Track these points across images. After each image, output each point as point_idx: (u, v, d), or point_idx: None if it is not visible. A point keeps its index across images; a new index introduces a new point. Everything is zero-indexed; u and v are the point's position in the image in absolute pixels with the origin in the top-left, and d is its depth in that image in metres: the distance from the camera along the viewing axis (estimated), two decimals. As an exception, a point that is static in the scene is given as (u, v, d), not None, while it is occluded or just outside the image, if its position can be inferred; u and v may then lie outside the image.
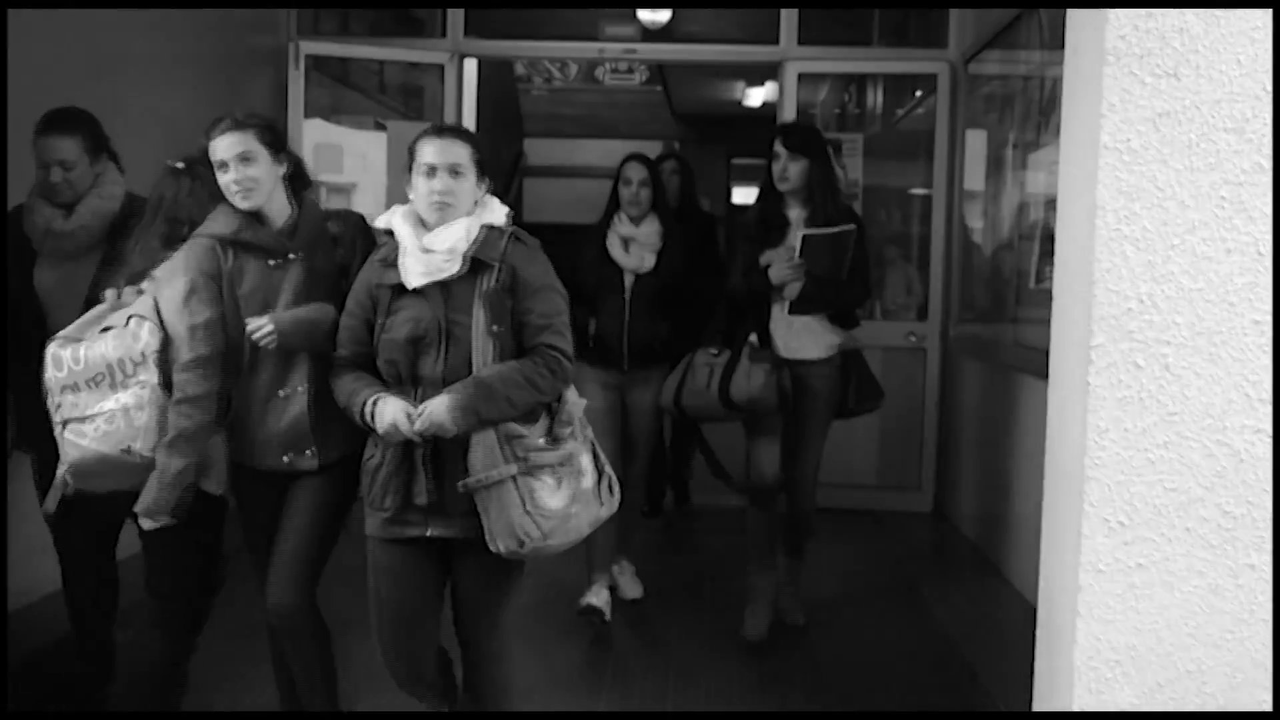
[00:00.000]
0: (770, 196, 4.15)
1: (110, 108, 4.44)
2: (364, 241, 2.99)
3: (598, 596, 4.41)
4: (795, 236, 4.00)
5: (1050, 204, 4.31)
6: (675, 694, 3.82)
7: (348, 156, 6.87)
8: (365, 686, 3.63)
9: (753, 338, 4.08)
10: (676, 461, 6.25)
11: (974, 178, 6.11)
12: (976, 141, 6.10)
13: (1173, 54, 2.41)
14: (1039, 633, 2.74)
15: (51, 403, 2.82)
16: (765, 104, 11.58)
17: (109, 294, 2.93)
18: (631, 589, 4.78)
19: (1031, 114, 5.09)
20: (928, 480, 6.41)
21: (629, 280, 4.34)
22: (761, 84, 11.47)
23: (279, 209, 2.95)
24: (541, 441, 2.70)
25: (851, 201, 6.66)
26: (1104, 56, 2.42)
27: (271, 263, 2.91)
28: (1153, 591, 2.46)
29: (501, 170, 12.84)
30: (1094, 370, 2.44)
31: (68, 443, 2.79)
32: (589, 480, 2.76)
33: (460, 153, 2.77)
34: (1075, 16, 2.63)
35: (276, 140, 2.95)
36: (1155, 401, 2.44)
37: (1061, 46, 2.71)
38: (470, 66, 6.83)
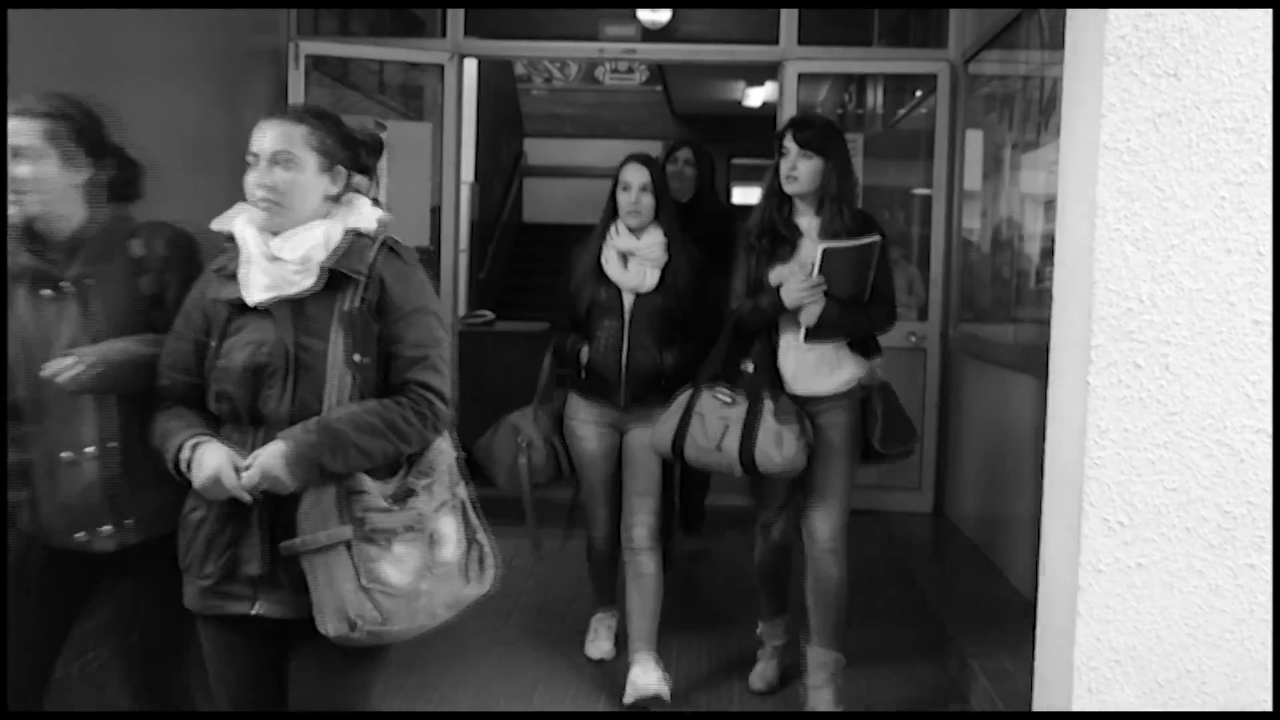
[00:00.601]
0: (777, 201, 3.55)
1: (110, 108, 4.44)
2: (183, 264, 2.51)
3: (645, 676, 3.69)
4: (809, 249, 3.47)
5: (1050, 204, 4.31)
6: (673, 685, 3.81)
7: (348, 156, 6.86)
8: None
9: (746, 365, 3.52)
10: (686, 501, 5.57)
11: (974, 178, 6.11)
12: (976, 141, 6.10)
13: (1173, 54, 2.41)
14: (1039, 633, 2.74)
15: None
16: (765, 104, 11.59)
17: None
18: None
19: (1031, 114, 5.09)
20: (928, 480, 6.41)
21: (628, 301, 3.73)
22: (761, 84, 11.48)
23: (64, 223, 2.40)
24: (384, 501, 2.17)
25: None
26: (1104, 56, 2.42)
27: (44, 292, 2.36)
28: (1153, 591, 2.46)
29: (501, 170, 12.85)
30: (1094, 370, 2.45)
31: None
32: (450, 550, 2.23)
33: (292, 137, 2.29)
34: (1075, 16, 2.63)
35: (81, 133, 2.48)
36: (1155, 401, 2.44)
37: (1061, 46, 2.71)
38: (470, 66, 6.84)
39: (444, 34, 6.60)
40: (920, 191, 6.68)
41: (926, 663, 4.24)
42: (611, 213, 3.79)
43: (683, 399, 3.53)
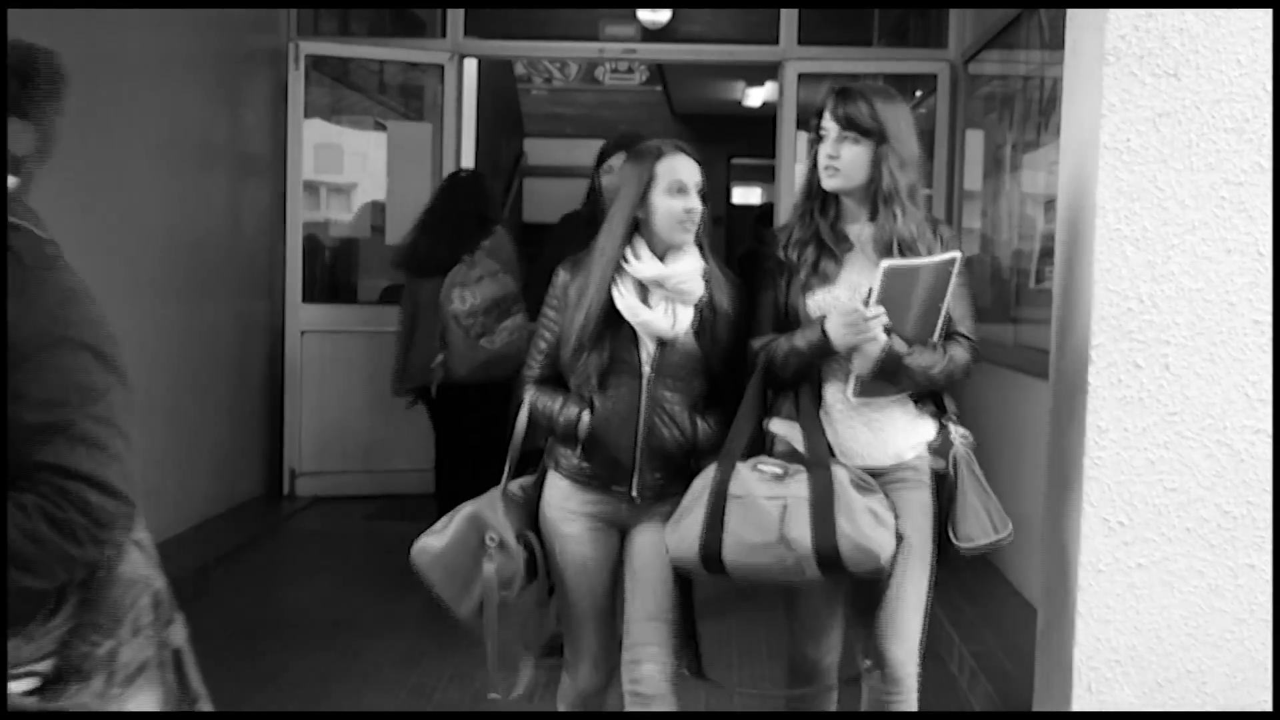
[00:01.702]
0: (818, 201, 2.59)
1: (110, 108, 4.45)
2: None
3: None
4: (862, 267, 2.52)
5: (1050, 204, 4.31)
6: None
7: (348, 156, 6.88)
8: (366, 686, 3.64)
9: (777, 426, 2.55)
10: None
11: (974, 178, 6.11)
12: (976, 141, 6.10)
13: (1173, 54, 2.41)
14: (1039, 633, 2.74)
15: None
16: (765, 104, 11.57)
17: None
18: None
19: (1031, 114, 5.09)
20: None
21: (649, 351, 2.58)
22: (761, 84, 11.46)
23: None
24: (22, 682, 1.40)
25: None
26: (1104, 56, 2.42)
27: None
28: (1153, 591, 2.46)
29: (501, 170, 12.84)
30: (1094, 370, 2.45)
31: None
32: None
33: None
34: (1075, 16, 2.63)
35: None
36: (1155, 401, 2.44)
37: (1061, 46, 2.71)
38: (470, 66, 6.83)
39: (444, 34, 6.60)
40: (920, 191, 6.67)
41: (926, 663, 4.24)
42: (626, 227, 2.57)
43: (706, 482, 2.48)
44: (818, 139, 2.58)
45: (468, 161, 6.74)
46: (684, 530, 2.49)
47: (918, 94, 6.87)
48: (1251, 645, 2.47)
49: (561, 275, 2.66)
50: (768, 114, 8.28)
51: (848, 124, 2.52)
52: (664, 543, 2.57)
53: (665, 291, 2.57)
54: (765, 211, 7.55)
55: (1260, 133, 2.41)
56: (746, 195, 15.37)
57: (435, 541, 2.62)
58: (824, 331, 2.45)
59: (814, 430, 2.50)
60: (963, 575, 5.23)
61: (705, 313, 2.60)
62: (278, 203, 6.22)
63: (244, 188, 5.93)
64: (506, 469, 2.69)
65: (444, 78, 6.46)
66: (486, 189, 5.06)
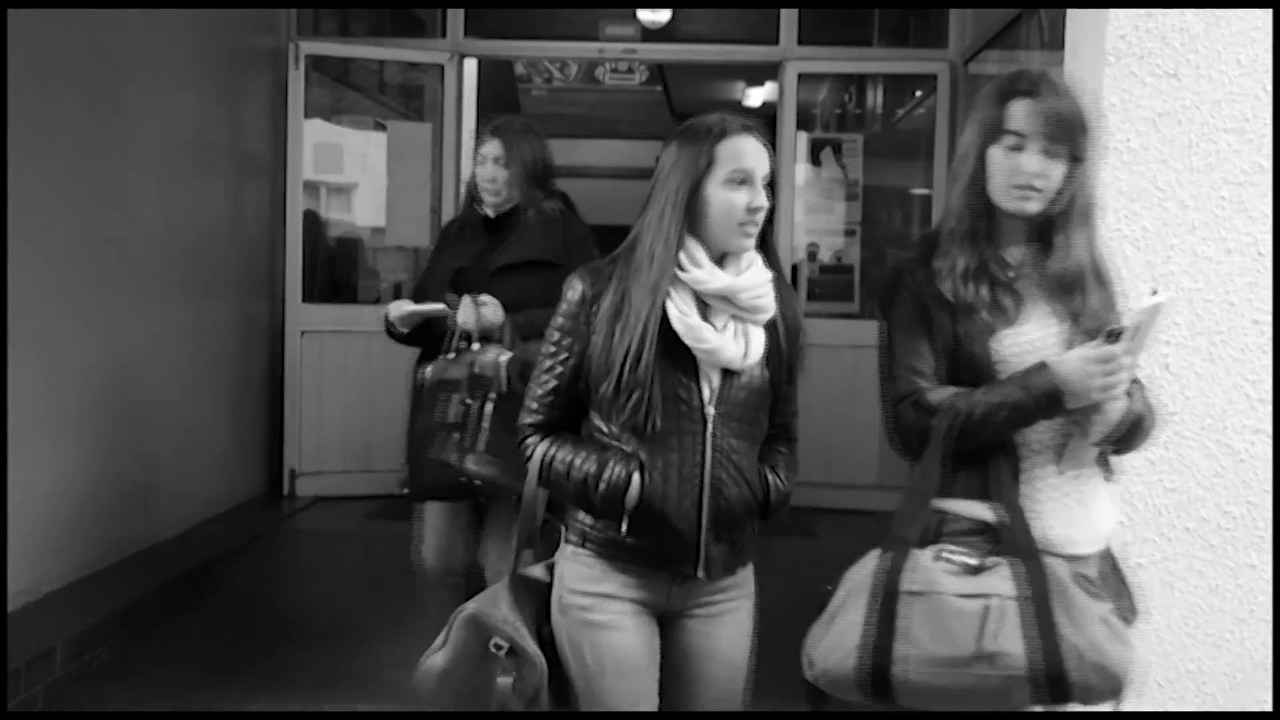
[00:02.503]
0: (981, 227, 2.00)
1: (110, 107, 4.45)
2: None
3: None
4: (1035, 302, 1.99)
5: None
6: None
7: (348, 156, 6.88)
8: (366, 686, 3.63)
9: (959, 506, 1.94)
10: None
11: (974, 178, 6.11)
12: (976, 141, 6.10)
13: (1173, 54, 2.41)
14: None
15: None
16: (765, 104, 11.57)
17: None
18: None
19: (1031, 114, 5.09)
20: (928, 480, 6.40)
21: (713, 385, 2.06)
22: (761, 84, 11.46)
23: None
24: None
25: (851, 203, 6.73)
26: (1104, 56, 2.42)
27: None
28: (1153, 591, 2.46)
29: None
30: (1094, 370, 2.44)
31: None
32: None
33: None
34: (1075, 16, 2.63)
35: None
36: (1155, 401, 2.44)
37: (1061, 46, 2.71)
38: (470, 66, 6.83)
39: (444, 34, 6.60)
40: (920, 191, 6.68)
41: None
42: (680, 226, 2.03)
43: (865, 573, 1.91)
44: (993, 143, 1.96)
45: (467, 162, 6.74)
46: (837, 637, 1.88)
47: (918, 94, 6.87)
48: (1251, 645, 2.47)
49: (577, 287, 2.07)
50: (768, 114, 8.28)
51: (1064, 136, 1.95)
52: (736, 641, 2.13)
53: (733, 309, 2.05)
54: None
55: (1260, 133, 2.41)
56: (746, 195, 15.35)
57: (437, 660, 2.12)
58: (1056, 381, 1.85)
59: (1017, 510, 1.92)
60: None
61: (773, 333, 2.11)
62: (278, 203, 6.22)
63: (244, 187, 5.93)
64: (516, 549, 2.14)
65: (444, 78, 6.46)
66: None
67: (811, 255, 6.49)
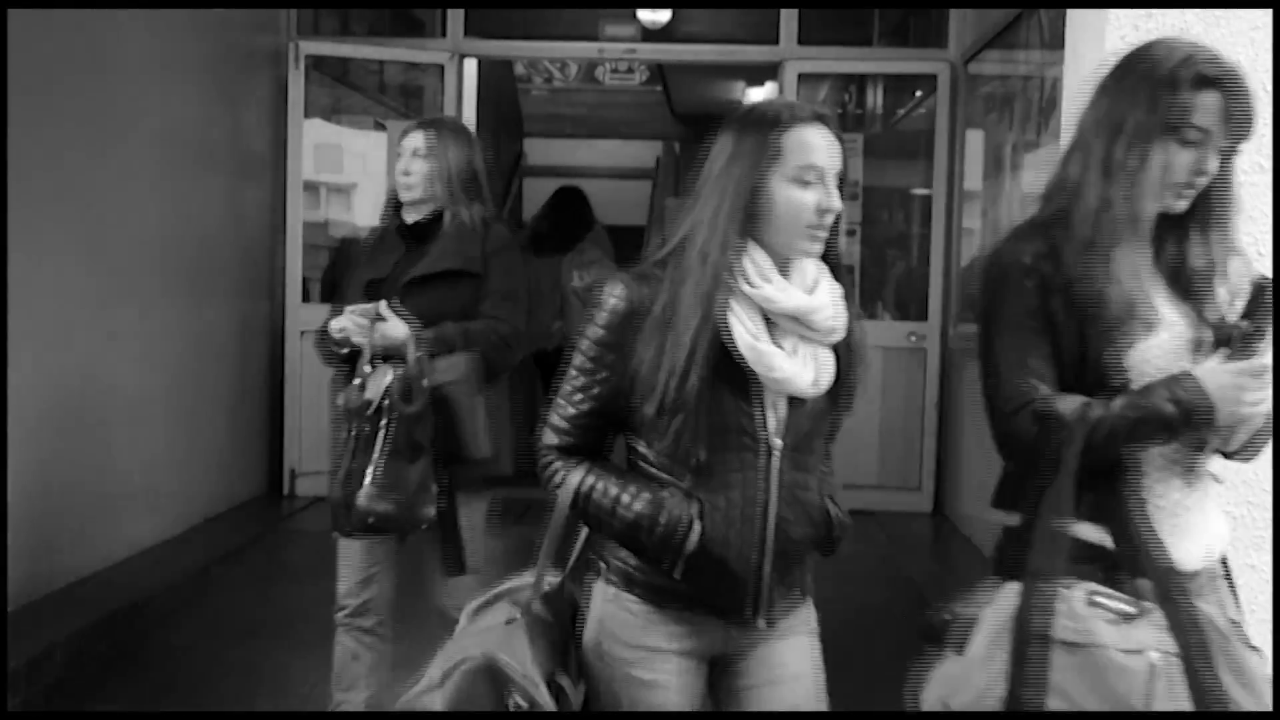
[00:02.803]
0: (1139, 222, 1.77)
1: (110, 108, 4.45)
2: None
3: None
4: (1163, 303, 1.77)
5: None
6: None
7: (348, 156, 6.87)
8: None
9: (1088, 532, 1.73)
10: None
11: (974, 178, 6.11)
12: (976, 141, 6.10)
13: (1173, 54, 2.41)
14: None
15: None
16: (765, 104, 11.58)
17: None
18: None
19: (1031, 114, 5.09)
20: (928, 480, 6.41)
21: (777, 414, 1.81)
22: (761, 84, 11.46)
23: None
24: None
25: (851, 203, 6.72)
26: (1104, 56, 2.42)
27: None
28: (1153, 591, 2.46)
29: (501, 170, 12.85)
30: (1094, 370, 2.44)
31: None
32: None
33: None
34: (1075, 16, 2.63)
35: None
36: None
37: (1061, 46, 2.71)
38: (470, 66, 6.84)
39: (444, 34, 6.60)
40: (920, 191, 6.68)
41: (926, 662, 4.23)
42: (739, 227, 1.75)
43: (1004, 618, 1.67)
44: (1167, 137, 1.74)
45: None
46: (980, 688, 1.65)
47: (918, 94, 6.87)
48: (1251, 645, 2.46)
49: (619, 294, 1.77)
50: (768, 114, 8.29)
51: (1247, 134, 1.77)
52: (798, 661, 1.90)
53: (803, 330, 1.78)
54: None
55: (1260, 133, 2.41)
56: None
57: (432, 701, 1.74)
58: (1204, 393, 1.66)
59: (1154, 538, 1.69)
60: (963, 575, 5.24)
61: (841, 354, 1.85)
62: (278, 203, 6.22)
63: (244, 188, 5.93)
64: (537, 579, 1.83)
65: (444, 78, 6.46)
66: (585, 197, 6.63)
67: (811, 255, 6.50)
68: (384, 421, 2.68)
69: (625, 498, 1.77)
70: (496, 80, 11.72)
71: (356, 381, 2.74)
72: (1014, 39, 5.37)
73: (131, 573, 4.46)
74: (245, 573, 4.95)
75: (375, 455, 2.68)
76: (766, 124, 1.75)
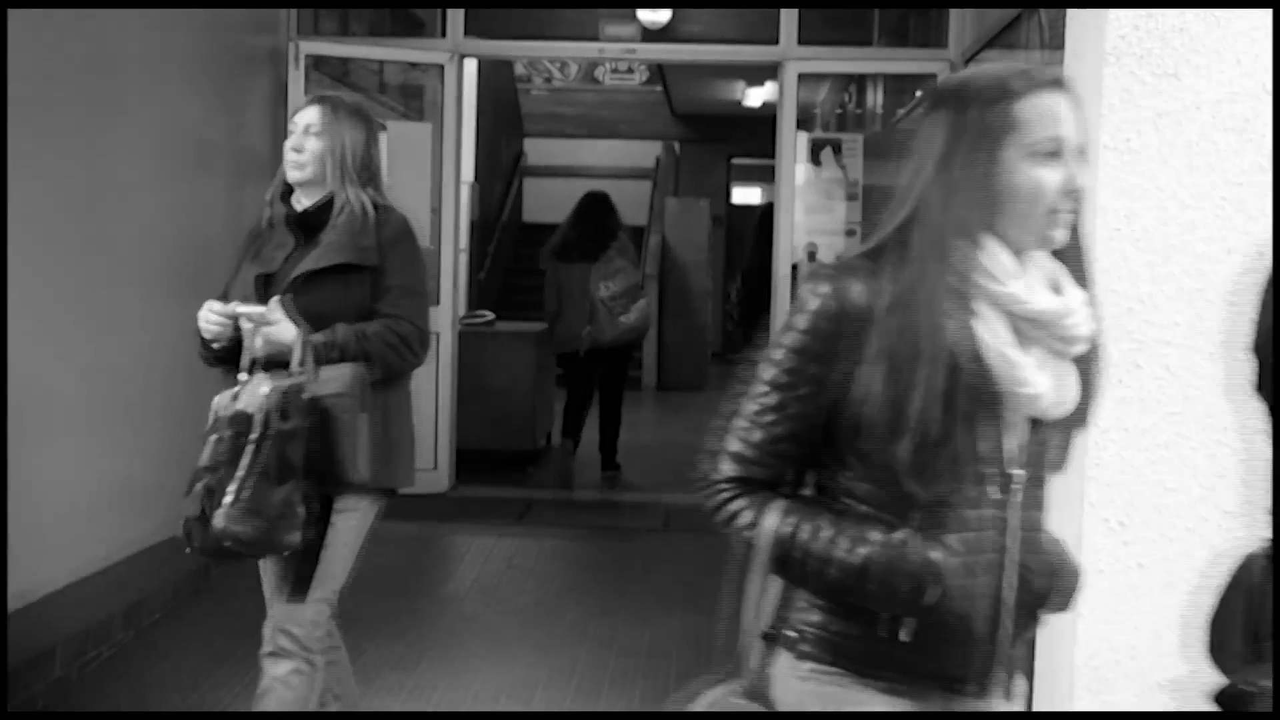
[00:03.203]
0: None
1: (110, 108, 4.45)
2: None
3: None
4: None
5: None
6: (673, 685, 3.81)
7: (348, 156, 6.87)
8: (366, 687, 3.63)
9: None
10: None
11: (974, 178, 6.11)
12: (976, 141, 6.10)
13: (1173, 54, 2.41)
14: (1039, 632, 2.73)
15: None
16: (765, 104, 11.59)
17: None
18: None
19: (1031, 114, 5.09)
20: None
21: (1020, 441, 1.54)
22: (761, 84, 11.48)
23: None
24: None
25: (851, 203, 6.72)
26: (1104, 56, 2.42)
27: None
28: (1153, 591, 2.46)
29: (501, 170, 12.85)
30: (1094, 370, 2.44)
31: None
32: None
33: None
34: (1075, 16, 2.63)
35: None
36: (1155, 401, 2.44)
37: (1061, 46, 2.71)
38: (470, 66, 6.85)
39: (444, 34, 6.60)
40: (920, 191, 6.68)
41: None
42: (983, 213, 1.46)
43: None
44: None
45: (467, 161, 6.77)
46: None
47: (918, 94, 6.87)
48: (1252, 645, 2.46)
49: (823, 292, 1.47)
50: (768, 114, 8.29)
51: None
52: None
53: (1050, 338, 1.49)
54: (767, 211, 7.56)
55: (1260, 133, 2.41)
56: (746, 195, 15.40)
57: None
58: None
59: None
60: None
61: (1086, 369, 1.56)
62: (278, 203, 6.21)
63: (244, 187, 5.92)
64: (746, 653, 1.53)
65: (444, 78, 6.46)
66: (613, 205, 6.91)
67: (811, 256, 6.50)
68: (254, 436, 2.44)
69: (844, 541, 1.44)
70: (496, 80, 11.74)
71: (232, 390, 2.54)
72: (1014, 39, 5.36)
73: (131, 572, 4.46)
74: (245, 573, 4.94)
75: (241, 473, 2.41)
76: (997, 94, 1.45)
